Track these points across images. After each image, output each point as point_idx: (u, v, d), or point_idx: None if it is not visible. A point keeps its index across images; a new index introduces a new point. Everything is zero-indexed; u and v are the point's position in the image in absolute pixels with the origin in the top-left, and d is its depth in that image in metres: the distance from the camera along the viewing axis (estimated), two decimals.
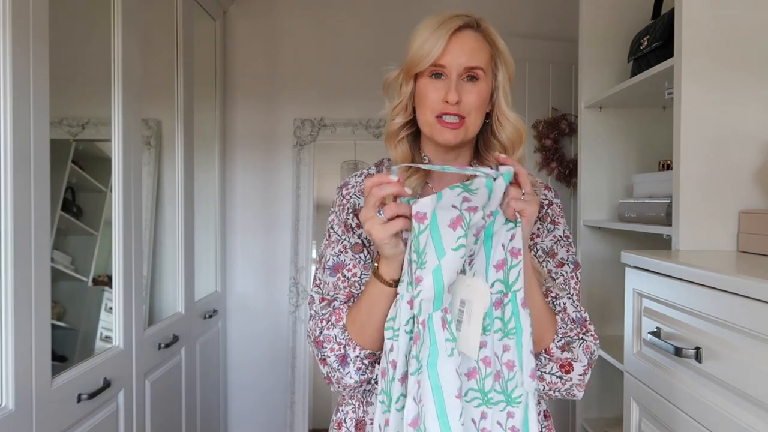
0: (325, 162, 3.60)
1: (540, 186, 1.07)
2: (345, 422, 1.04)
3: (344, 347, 0.93)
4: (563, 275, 1.00)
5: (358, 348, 0.93)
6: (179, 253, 2.37)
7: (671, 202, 1.53)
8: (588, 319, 0.99)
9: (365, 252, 1.00)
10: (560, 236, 1.03)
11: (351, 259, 1.00)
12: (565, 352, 0.93)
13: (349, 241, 1.01)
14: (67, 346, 2.02)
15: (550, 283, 0.99)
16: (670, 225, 1.52)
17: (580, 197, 2.15)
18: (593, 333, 0.97)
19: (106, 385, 1.64)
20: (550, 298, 0.97)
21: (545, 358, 0.94)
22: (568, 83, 2.75)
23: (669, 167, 1.76)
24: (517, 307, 0.86)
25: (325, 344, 0.94)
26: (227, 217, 2.95)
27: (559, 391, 0.94)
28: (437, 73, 0.95)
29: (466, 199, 0.83)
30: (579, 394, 0.95)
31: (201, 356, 2.56)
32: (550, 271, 1.00)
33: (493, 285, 0.86)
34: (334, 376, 0.95)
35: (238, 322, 2.97)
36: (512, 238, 0.87)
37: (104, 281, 2.15)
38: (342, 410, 1.06)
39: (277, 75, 2.94)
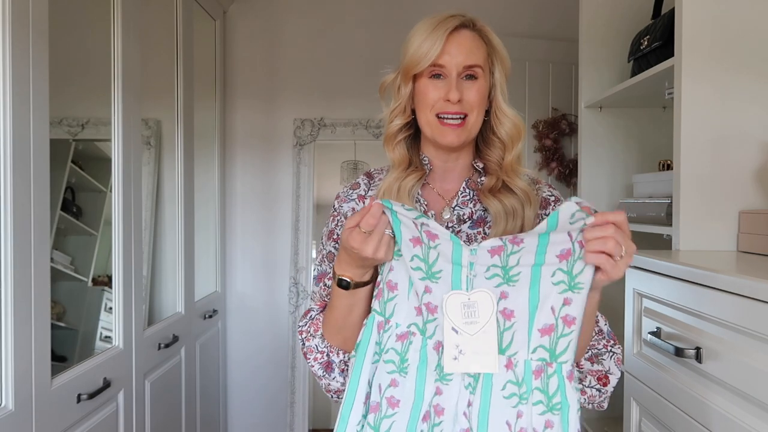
0: (325, 162, 3.61)
1: (544, 185, 1.06)
2: None
3: (327, 354, 0.97)
4: None
5: (341, 352, 0.96)
6: (179, 253, 2.37)
7: (671, 202, 1.53)
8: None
9: None
10: None
11: (329, 267, 1.03)
12: (595, 364, 0.92)
13: (327, 249, 1.05)
14: (67, 346, 2.02)
15: None
16: (670, 225, 1.52)
17: (580, 197, 2.15)
18: (620, 346, 0.96)
19: (106, 385, 1.64)
20: None
21: (577, 372, 0.92)
22: (568, 83, 2.75)
23: (669, 167, 1.76)
24: (564, 381, 0.79)
25: (308, 356, 0.99)
26: (227, 217, 2.95)
27: (593, 403, 0.94)
28: (437, 73, 0.95)
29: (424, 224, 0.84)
30: (606, 405, 0.95)
31: (201, 356, 2.56)
32: None
33: (535, 351, 0.79)
34: (323, 385, 0.99)
35: (238, 322, 2.97)
36: (566, 303, 0.78)
37: (104, 281, 2.15)
38: None
39: (277, 75, 2.94)
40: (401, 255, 0.85)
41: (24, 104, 1.29)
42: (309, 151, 2.95)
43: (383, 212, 0.84)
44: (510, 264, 0.81)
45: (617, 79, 2.03)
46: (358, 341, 0.89)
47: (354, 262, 0.87)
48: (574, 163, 2.65)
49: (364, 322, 0.88)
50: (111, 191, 1.81)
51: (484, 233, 0.99)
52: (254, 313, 2.97)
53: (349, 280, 0.89)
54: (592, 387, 0.92)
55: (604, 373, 0.92)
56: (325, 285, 1.03)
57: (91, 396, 1.54)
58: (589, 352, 0.93)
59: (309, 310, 1.03)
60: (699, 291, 1.09)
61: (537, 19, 2.89)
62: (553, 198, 1.05)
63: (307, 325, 1.01)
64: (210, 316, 2.67)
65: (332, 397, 1.01)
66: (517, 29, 2.84)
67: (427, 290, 0.84)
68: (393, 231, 0.85)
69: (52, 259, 1.44)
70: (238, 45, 2.93)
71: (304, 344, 1.00)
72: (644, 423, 1.34)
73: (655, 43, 1.66)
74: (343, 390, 0.97)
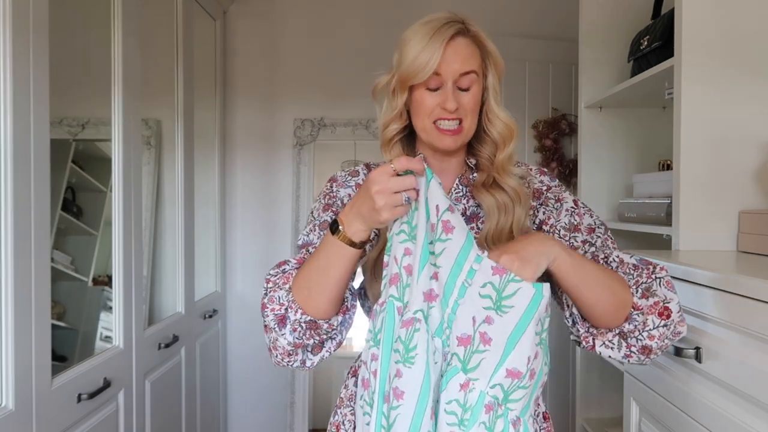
0: (325, 162, 3.60)
1: (535, 172, 1.07)
2: (343, 425, 1.03)
3: (286, 309, 0.92)
4: (599, 237, 0.99)
5: (300, 311, 0.91)
6: (179, 253, 2.37)
7: (671, 202, 1.53)
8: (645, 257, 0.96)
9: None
10: (572, 207, 1.02)
11: (318, 237, 1.01)
12: (651, 298, 0.89)
13: (319, 220, 1.03)
14: (67, 346, 2.02)
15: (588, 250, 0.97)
16: (670, 225, 1.52)
17: (580, 197, 2.15)
18: (661, 265, 0.93)
19: (106, 385, 1.64)
20: (601, 261, 0.95)
21: (638, 315, 0.89)
22: (568, 83, 2.75)
23: (669, 167, 1.76)
24: (508, 426, 0.79)
25: (267, 305, 0.93)
26: (227, 217, 2.95)
27: (667, 338, 0.90)
28: (434, 87, 0.95)
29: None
30: (683, 329, 0.92)
31: (201, 356, 2.56)
32: (585, 242, 0.98)
33: (494, 387, 0.80)
34: (271, 338, 0.93)
35: (238, 321, 2.97)
36: (536, 356, 0.80)
37: (104, 281, 2.15)
38: (340, 413, 1.05)
39: (277, 75, 2.94)
40: (416, 238, 0.83)
41: (24, 104, 1.29)
42: (309, 151, 2.95)
43: (416, 177, 0.83)
44: (506, 292, 0.80)
45: (617, 79, 2.03)
46: (377, 329, 0.85)
47: (359, 202, 0.85)
48: (574, 163, 2.65)
49: (385, 309, 0.84)
50: (111, 191, 1.81)
51: (478, 228, 1.01)
52: (254, 313, 2.95)
53: (341, 227, 0.87)
54: (657, 327, 0.89)
55: (662, 304, 0.89)
56: (308, 252, 1.00)
57: (92, 396, 1.54)
58: (640, 290, 0.90)
59: (285, 262, 0.97)
60: (699, 291, 1.09)
61: (537, 20, 2.88)
62: (545, 187, 1.05)
63: (277, 276, 0.95)
64: (210, 316, 2.67)
65: (275, 356, 0.94)
66: (517, 29, 2.84)
67: (434, 276, 0.83)
68: (409, 199, 0.83)
69: (52, 259, 1.44)
70: (238, 45, 2.93)
71: (266, 294, 0.94)
72: (644, 423, 1.34)
73: (655, 43, 1.66)
74: (291, 353, 0.93)
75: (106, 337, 1.98)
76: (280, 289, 0.93)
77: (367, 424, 0.84)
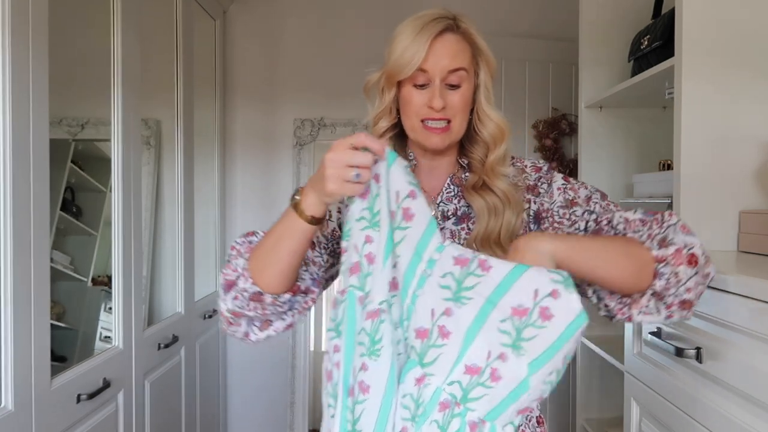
0: None
1: (530, 169, 1.04)
2: None
3: (238, 276, 0.92)
4: (596, 203, 0.96)
5: (249, 281, 0.90)
6: (179, 253, 2.37)
7: (671, 202, 1.53)
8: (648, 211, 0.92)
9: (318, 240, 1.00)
10: (563, 184, 1.00)
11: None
12: (670, 247, 0.84)
13: None
14: (67, 346, 2.02)
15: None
16: None
17: None
18: (669, 211, 0.89)
19: (106, 385, 1.64)
20: (605, 227, 0.92)
21: (665, 267, 0.84)
22: (568, 83, 2.75)
23: (669, 167, 1.75)
24: (465, 428, 0.74)
25: (224, 270, 0.93)
26: (227, 217, 2.95)
27: (701, 284, 0.86)
28: (421, 83, 0.94)
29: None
30: (711, 269, 0.88)
31: (201, 356, 2.56)
32: (585, 212, 0.96)
33: (451, 384, 0.76)
34: (218, 304, 0.95)
35: None
36: (501, 358, 0.74)
37: (104, 281, 2.15)
38: None
39: (277, 75, 2.94)
40: (379, 226, 0.81)
41: (24, 104, 1.29)
42: (309, 151, 2.95)
43: (377, 161, 0.81)
44: (466, 284, 0.76)
45: (617, 79, 2.03)
46: (338, 320, 0.83)
47: (316, 174, 0.84)
48: (574, 163, 2.65)
49: (345, 299, 0.82)
50: (111, 191, 1.81)
51: (468, 229, 0.99)
52: None
53: (297, 197, 0.87)
54: (691, 278, 0.84)
55: (685, 252, 0.84)
56: None
57: (91, 396, 1.54)
58: (654, 241, 0.86)
59: (253, 233, 0.97)
60: None
61: (537, 20, 2.88)
62: (539, 181, 1.02)
63: (243, 245, 0.95)
64: (210, 316, 2.66)
65: (222, 323, 0.95)
66: (517, 29, 2.84)
67: (396, 266, 0.81)
68: (359, 175, 0.79)
69: (52, 259, 1.44)
70: (238, 45, 2.93)
71: (228, 261, 0.95)
72: (644, 423, 1.34)
73: (656, 42, 1.66)
74: (230, 322, 0.93)
75: (106, 337, 1.98)
76: (241, 257, 0.93)
77: (332, 416, 0.81)
